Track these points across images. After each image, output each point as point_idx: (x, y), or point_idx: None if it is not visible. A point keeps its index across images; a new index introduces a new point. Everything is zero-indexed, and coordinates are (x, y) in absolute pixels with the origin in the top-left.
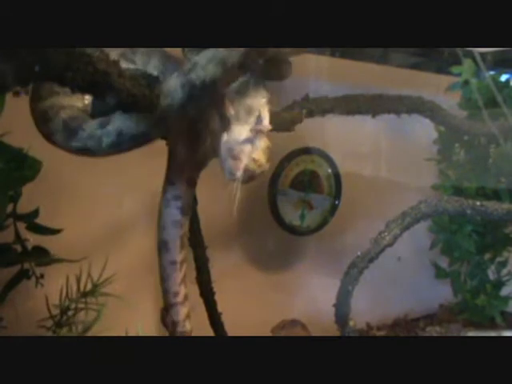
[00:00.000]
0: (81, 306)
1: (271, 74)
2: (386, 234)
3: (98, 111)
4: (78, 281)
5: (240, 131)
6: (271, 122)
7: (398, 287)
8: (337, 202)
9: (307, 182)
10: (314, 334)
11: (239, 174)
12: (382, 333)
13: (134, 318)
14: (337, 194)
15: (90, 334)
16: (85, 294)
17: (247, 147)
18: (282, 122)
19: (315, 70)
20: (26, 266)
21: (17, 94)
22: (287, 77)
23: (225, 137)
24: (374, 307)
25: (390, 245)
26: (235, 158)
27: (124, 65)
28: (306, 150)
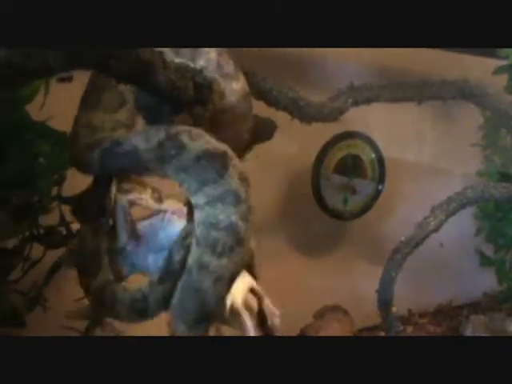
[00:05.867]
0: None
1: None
2: (431, 219)
3: (143, 106)
4: None
5: None
6: (318, 112)
7: (441, 274)
8: (380, 187)
9: (351, 167)
10: (355, 320)
11: None
12: (424, 320)
13: None
14: (380, 178)
15: None
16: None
17: None
18: (330, 113)
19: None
20: None
21: (62, 80)
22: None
23: None
24: (417, 294)
25: (435, 230)
26: None
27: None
28: (350, 135)
